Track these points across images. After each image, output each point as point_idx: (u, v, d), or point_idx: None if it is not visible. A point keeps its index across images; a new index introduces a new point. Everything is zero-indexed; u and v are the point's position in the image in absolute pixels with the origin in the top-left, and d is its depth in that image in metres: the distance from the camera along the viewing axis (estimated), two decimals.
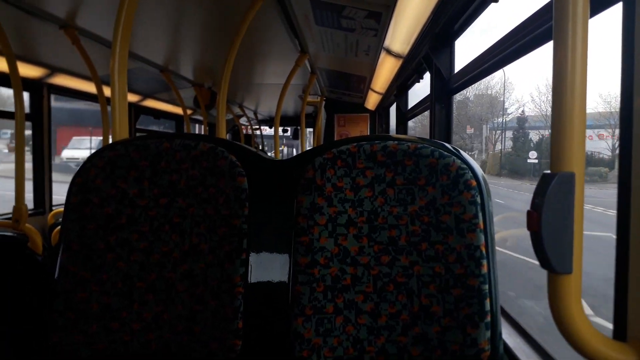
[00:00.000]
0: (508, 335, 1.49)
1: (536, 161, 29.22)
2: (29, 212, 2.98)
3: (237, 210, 1.24)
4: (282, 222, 1.25)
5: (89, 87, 4.03)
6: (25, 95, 3.09)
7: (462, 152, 1.22)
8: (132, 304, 1.25)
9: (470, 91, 35.46)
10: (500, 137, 33.90)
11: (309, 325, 1.18)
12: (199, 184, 1.28)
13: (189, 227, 1.27)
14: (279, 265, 1.24)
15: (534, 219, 0.74)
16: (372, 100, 5.34)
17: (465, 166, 1.18)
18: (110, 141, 1.45)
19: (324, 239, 1.21)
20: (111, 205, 1.27)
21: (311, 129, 8.35)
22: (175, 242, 1.27)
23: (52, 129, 3.96)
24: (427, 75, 3.13)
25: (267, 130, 11.29)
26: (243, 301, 1.21)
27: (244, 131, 9.73)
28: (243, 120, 9.45)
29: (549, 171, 0.76)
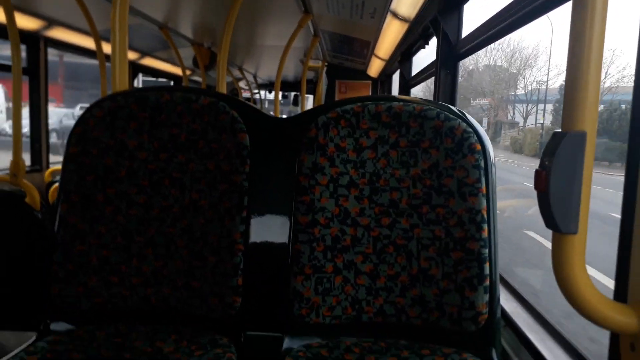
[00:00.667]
0: (505, 301, 1.51)
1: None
2: (26, 169, 2.96)
3: (238, 166, 1.23)
4: (283, 180, 1.24)
5: (88, 42, 3.94)
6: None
7: (467, 115, 1.20)
8: (131, 258, 1.25)
9: (492, 58, 29.94)
10: (532, 109, 26.88)
11: (308, 284, 1.18)
12: (200, 138, 1.26)
13: (189, 182, 1.26)
14: (279, 224, 1.24)
15: (542, 179, 0.73)
16: (374, 67, 5.25)
17: (470, 129, 1.16)
18: None
19: (325, 199, 1.20)
20: (110, 156, 1.25)
21: (312, 96, 8.25)
22: (174, 197, 1.26)
23: None
24: (432, 41, 3.06)
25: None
26: (243, 258, 1.21)
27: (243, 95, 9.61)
28: (242, 84, 9.32)
29: (559, 130, 0.74)
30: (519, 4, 1.43)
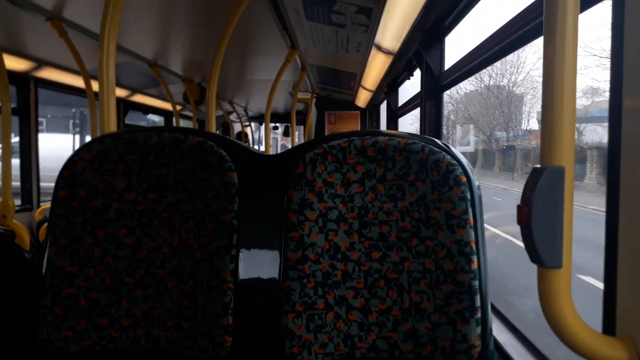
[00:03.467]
0: (498, 332, 1.50)
1: None
2: (16, 208, 2.94)
3: (227, 205, 1.23)
4: (272, 217, 1.25)
5: (77, 82, 3.98)
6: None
7: (452, 148, 1.22)
8: (120, 300, 1.23)
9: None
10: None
11: (299, 321, 1.17)
12: (188, 178, 1.26)
13: (178, 222, 1.25)
14: (269, 261, 1.24)
15: (524, 214, 0.75)
16: (362, 98, 5.33)
17: (455, 162, 1.18)
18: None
19: (315, 234, 1.20)
20: (99, 199, 1.25)
21: (302, 126, 8.33)
22: (164, 238, 1.25)
23: None
24: (417, 73, 3.13)
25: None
26: (233, 297, 1.20)
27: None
28: (233, 117, 9.40)
29: (539, 165, 0.76)
30: (496, 38, 1.47)
